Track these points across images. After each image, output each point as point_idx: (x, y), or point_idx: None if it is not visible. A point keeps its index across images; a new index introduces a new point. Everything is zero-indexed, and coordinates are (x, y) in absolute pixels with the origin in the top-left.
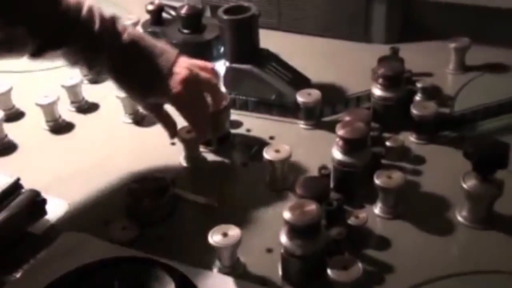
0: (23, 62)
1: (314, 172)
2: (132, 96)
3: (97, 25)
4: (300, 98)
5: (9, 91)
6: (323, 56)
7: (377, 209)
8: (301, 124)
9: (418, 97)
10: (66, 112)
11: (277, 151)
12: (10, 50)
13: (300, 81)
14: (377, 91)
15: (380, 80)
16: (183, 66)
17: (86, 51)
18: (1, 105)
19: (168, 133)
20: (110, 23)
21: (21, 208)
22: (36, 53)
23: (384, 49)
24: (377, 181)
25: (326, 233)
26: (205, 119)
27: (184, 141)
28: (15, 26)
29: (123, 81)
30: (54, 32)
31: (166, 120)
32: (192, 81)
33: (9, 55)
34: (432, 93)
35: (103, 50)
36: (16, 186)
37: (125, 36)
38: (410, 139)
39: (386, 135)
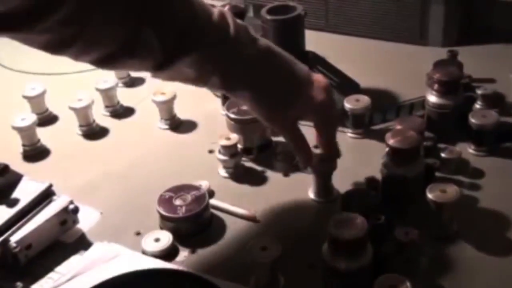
0: (57, 64)
1: (361, 183)
2: (269, 109)
3: (231, 28)
4: (348, 104)
5: (42, 94)
6: (374, 59)
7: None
8: (349, 133)
9: (477, 105)
10: (100, 116)
11: (322, 160)
12: (132, 55)
13: (348, 86)
14: (432, 98)
15: (436, 86)
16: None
17: (220, 57)
18: (35, 108)
19: (302, 160)
20: (244, 28)
21: (53, 216)
22: (164, 63)
23: (441, 53)
24: (429, 195)
25: (373, 249)
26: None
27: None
28: (140, 27)
29: (261, 91)
30: (183, 35)
31: (302, 142)
32: (331, 91)
33: (131, 62)
34: (494, 100)
35: (239, 56)
36: (48, 193)
37: (261, 42)
38: (468, 150)
39: (441, 145)
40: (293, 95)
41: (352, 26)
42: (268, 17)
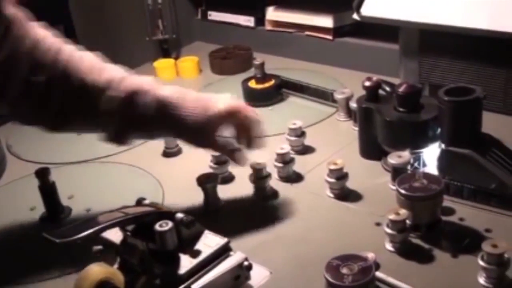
0: None
1: None
2: (190, 139)
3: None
4: None
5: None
6: None
7: None
8: None
9: None
10: (274, 180)
11: (494, 246)
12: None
13: None
14: None
15: None
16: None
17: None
18: (218, 169)
19: (232, 159)
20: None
21: (229, 270)
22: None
23: None
24: None
25: None
26: None
27: None
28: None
29: (178, 132)
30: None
31: (225, 149)
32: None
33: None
34: None
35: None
36: (226, 248)
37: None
38: None
39: None
40: (204, 123)
41: None
42: (446, 98)
